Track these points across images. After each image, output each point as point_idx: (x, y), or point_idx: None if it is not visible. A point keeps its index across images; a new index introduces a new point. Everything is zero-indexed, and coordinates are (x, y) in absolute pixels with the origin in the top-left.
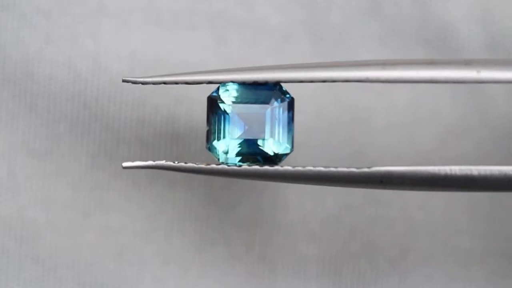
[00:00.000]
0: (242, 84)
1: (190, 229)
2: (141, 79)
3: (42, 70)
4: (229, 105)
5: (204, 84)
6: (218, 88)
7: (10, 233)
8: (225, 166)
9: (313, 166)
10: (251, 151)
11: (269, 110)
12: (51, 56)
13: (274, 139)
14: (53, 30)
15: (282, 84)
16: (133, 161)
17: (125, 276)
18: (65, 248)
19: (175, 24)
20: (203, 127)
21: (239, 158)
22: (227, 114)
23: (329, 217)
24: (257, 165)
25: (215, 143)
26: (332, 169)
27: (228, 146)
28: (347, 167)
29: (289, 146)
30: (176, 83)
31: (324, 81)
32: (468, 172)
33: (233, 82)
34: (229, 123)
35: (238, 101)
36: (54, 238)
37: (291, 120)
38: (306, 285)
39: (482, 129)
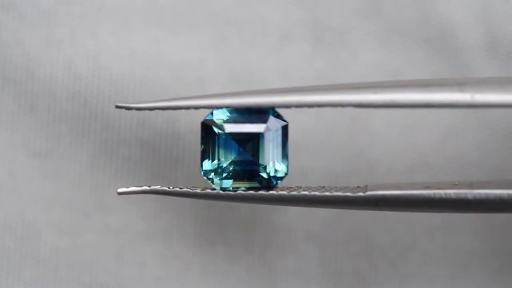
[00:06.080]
0: (237, 108)
1: (190, 230)
2: (135, 105)
3: (42, 70)
4: (224, 129)
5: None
6: (212, 113)
7: (10, 233)
8: (221, 191)
9: (308, 191)
10: (246, 175)
11: (264, 134)
12: (51, 56)
13: (269, 163)
14: (53, 30)
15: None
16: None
17: (125, 276)
18: (65, 248)
19: (175, 24)
20: None
21: (234, 182)
22: (222, 138)
23: (328, 218)
24: (252, 190)
25: (209, 167)
26: (327, 193)
27: (222, 170)
28: (342, 192)
29: (284, 170)
30: (175, 108)
31: (319, 106)
32: (463, 196)
33: (228, 107)
34: (223, 148)
35: (232, 126)
36: (54, 238)
37: (285, 144)
38: (306, 285)
39: (482, 129)
